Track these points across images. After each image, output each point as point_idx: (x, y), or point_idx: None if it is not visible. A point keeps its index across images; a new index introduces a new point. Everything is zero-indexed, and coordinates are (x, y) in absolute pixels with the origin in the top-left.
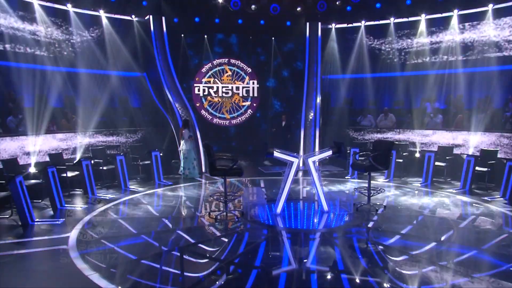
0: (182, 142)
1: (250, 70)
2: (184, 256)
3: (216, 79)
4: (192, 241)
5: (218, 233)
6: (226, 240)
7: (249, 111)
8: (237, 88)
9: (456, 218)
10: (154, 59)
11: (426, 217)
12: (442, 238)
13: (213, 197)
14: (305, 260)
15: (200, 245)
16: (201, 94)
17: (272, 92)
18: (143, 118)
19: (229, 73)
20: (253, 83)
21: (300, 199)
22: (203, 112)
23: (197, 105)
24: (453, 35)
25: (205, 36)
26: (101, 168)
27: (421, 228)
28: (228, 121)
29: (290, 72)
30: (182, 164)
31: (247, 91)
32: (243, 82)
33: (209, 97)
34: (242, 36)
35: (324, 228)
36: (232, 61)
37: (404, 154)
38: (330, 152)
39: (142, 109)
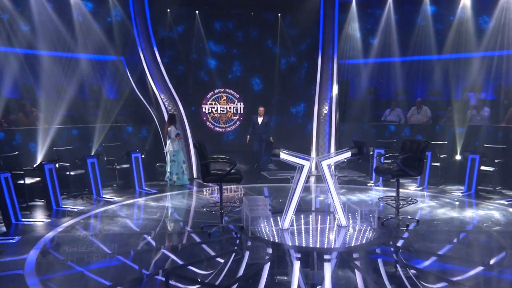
0: (168, 141)
1: (238, 96)
2: (170, 282)
3: (216, 102)
4: (180, 262)
5: (212, 253)
6: (222, 261)
7: (237, 122)
8: (230, 108)
9: (509, 236)
10: (133, 39)
11: (470, 235)
12: (491, 262)
13: (206, 208)
14: (318, 287)
15: (190, 267)
16: (207, 112)
17: (278, 83)
18: (120, 112)
19: (225, 98)
20: (240, 104)
21: (313, 210)
22: (208, 123)
23: (204, 119)
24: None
25: (196, 11)
26: (68, 173)
27: (463, 248)
28: (224, 129)
29: (298, 56)
30: (168, 169)
31: (236, 110)
32: (233, 104)
33: (211, 114)
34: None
35: (342, 246)
36: (227, 90)
37: (441, 156)
38: (349, 154)
39: (119, 101)
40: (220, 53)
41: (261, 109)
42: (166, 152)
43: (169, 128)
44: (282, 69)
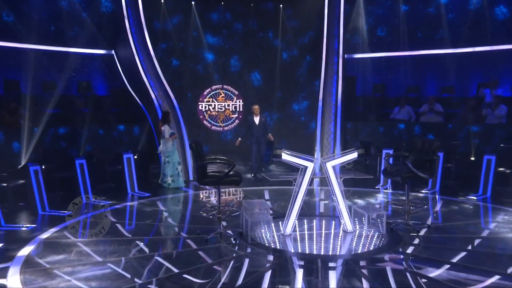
0: (161, 141)
1: (237, 93)
2: None
3: (213, 99)
4: (175, 270)
5: (209, 260)
6: (220, 268)
7: (236, 121)
8: (228, 105)
9: None
10: (125, 32)
11: (486, 241)
12: (509, 271)
13: (203, 212)
14: None
15: (185, 275)
16: (203, 110)
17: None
18: (111, 109)
19: (223, 95)
20: (239, 101)
21: (316, 215)
22: (204, 122)
23: (201, 117)
24: None
25: (192, 2)
26: (54, 175)
27: (478, 256)
28: (221, 128)
29: (300, 49)
30: (162, 170)
31: (235, 107)
32: (232, 101)
33: (208, 112)
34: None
35: (348, 253)
36: (225, 86)
37: (455, 157)
38: (355, 155)
39: (110, 98)
40: (218, 46)
41: (256, 107)
42: (160, 153)
43: (162, 128)
44: (283, 63)
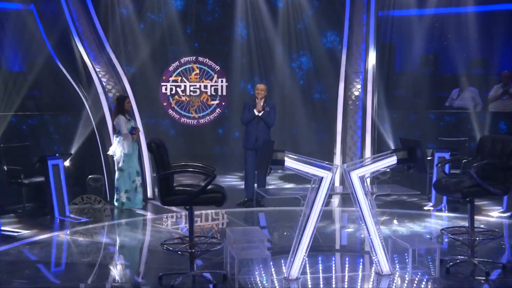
0: (115, 140)
1: (218, 68)
2: None
3: (183, 77)
4: None
5: None
6: None
7: (217, 109)
8: (205, 87)
9: None
10: None
11: None
12: None
13: (168, 246)
14: None
15: None
16: (168, 94)
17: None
18: (29, 92)
19: (197, 71)
20: (222, 80)
21: (337, 249)
22: (170, 111)
23: (164, 104)
24: None
25: None
26: None
27: None
28: (195, 120)
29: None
30: (117, 183)
31: (215, 90)
32: (211, 81)
33: (176, 96)
34: None
35: None
36: (201, 58)
37: None
38: (393, 160)
39: (28, 76)
40: None
41: (261, 87)
42: (115, 160)
43: (116, 119)
44: (289, 26)
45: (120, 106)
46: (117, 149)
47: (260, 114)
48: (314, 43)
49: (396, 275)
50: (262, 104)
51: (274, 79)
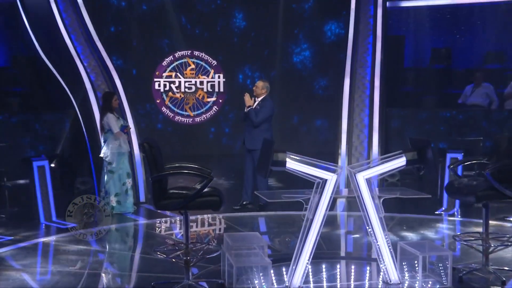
0: (106, 139)
1: (215, 63)
2: None
3: (178, 73)
4: None
5: None
6: None
7: (215, 107)
8: (201, 83)
9: None
10: None
11: None
12: None
13: (161, 253)
14: None
15: None
16: (162, 90)
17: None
18: (12, 89)
19: (192, 66)
20: (219, 76)
21: (342, 257)
22: (164, 109)
23: (158, 101)
24: None
25: None
26: None
27: None
28: (191, 119)
29: None
30: (106, 186)
31: (212, 86)
32: (207, 76)
33: (170, 93)
34: None
35: None
36: (197, 52)
37: None
38: (403, 161)
39: (12, 72)
40: None
41: (258, 84)
42: (106, 160)
43: (104, 118)
44: (292, 18)
45: (107, 104)
46: (107, 150)
47: (246, 111)
48: (318, 36)
49: (405, 284)
50: (253, 101)
51: (275, 75)
